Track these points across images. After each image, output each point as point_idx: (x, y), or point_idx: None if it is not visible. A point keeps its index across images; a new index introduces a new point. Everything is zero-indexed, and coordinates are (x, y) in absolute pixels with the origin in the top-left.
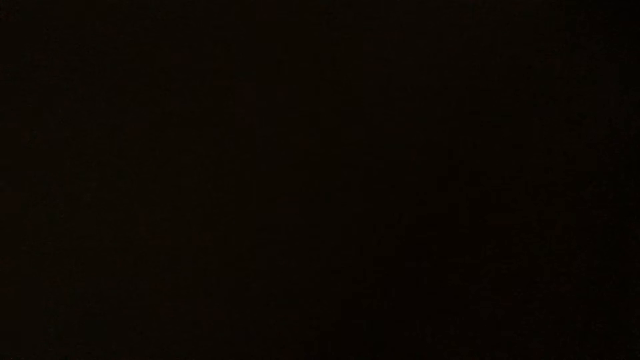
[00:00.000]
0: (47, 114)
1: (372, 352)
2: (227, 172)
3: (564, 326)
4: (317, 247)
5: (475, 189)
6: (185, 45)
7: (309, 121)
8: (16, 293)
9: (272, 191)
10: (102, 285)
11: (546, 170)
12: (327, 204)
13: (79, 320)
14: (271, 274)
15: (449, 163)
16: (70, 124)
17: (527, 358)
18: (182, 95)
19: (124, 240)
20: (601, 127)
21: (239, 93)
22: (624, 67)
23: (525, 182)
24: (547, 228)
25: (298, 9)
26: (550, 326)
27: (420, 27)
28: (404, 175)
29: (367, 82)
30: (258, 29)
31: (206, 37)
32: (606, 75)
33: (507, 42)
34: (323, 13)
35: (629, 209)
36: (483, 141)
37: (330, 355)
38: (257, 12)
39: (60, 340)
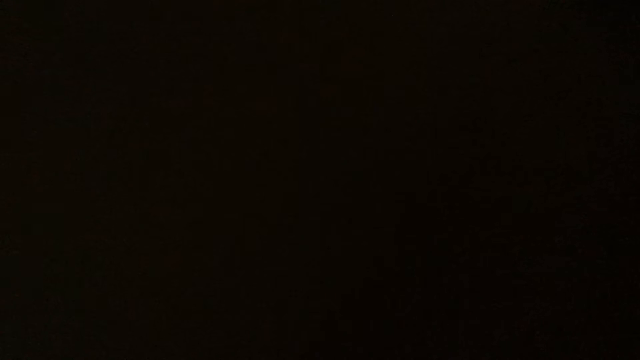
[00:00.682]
0: (47, 114)
1: (372, 352)
2: (227, 172)
3: (564, 326)
4: (317, 247)
5: (475, 188)
6: (185, 45)
7: (309, 121)
8: (16, 293)
9: (272, 191)
10: (102, 286)
11: (546, 170)
12: (327, 204)
13: (79, 320)
14: (271, 274)
15: (449, 163)
16: (70, 124)
17: (527, 358)
18: (182, 95)
19: (124, 240)
20: (601, 127)
21: (240, 93)
22: (624, 67)
23: (525, 182)
24: (547, 227)
25: (298, 9)
26: (550, 326)
27: (420, 27)
28: (404, 175)
29: (367, 82)
30: (258, 29)
31: (206, 37)
32: (606, 75)
33: (507, 42)
34: (323, 13)
35: (629, 209)
36: (483, 141)
37: (330, 355)
38: (257, 12)
39: (60, 340)
